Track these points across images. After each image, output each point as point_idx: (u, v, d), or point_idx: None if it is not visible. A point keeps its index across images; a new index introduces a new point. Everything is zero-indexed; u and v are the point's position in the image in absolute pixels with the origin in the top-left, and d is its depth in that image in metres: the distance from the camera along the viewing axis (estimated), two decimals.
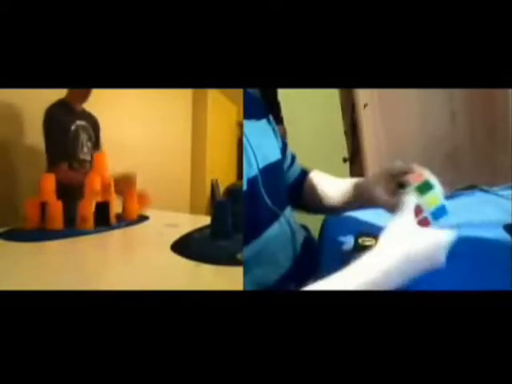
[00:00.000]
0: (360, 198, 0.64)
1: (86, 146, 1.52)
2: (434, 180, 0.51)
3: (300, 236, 0.66)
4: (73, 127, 1.45)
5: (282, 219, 0.61)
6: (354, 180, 0.68)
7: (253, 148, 0.58)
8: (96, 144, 1.61)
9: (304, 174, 0.77)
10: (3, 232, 1.08)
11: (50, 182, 1.17)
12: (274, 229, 0.59)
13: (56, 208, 1.13)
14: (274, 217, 0.60)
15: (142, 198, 1.51)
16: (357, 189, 0.66)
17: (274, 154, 0.65)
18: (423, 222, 0.48)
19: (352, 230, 0.71)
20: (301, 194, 0.76)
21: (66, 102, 1.47)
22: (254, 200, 0.56)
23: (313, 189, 0.74)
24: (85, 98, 1.52)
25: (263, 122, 0.68)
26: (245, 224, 0.54)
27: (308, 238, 0.70)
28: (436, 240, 0.45)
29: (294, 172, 0.76)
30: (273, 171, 0.63)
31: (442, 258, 0.45)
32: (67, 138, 1.43)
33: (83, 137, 1.51)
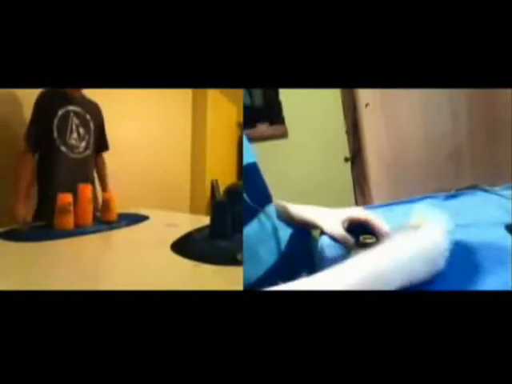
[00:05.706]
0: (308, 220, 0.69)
1: (77, 132, 1.50)
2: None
3: (285, 232, 0.68)
4: (61, 112, 1.44)
5: (261, 215, 0.64)
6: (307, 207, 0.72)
7: None
8: (98, 131, 1.60)
9: None
10: (3, 232, 1.08)
11: (87, 191, 1.27)
12: (253, 225, 0.62)
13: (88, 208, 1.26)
14: (252, 214, 0.63)
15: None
16: (308, 213, 0.70)
17: (248, 158, 0.68)
18: None
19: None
20: None
21: (62, 90, 1.47)
22: None
23: None
24: None
25: None
26: None
27: (295, 235, 0.71)
28: (436, 245, 0.47)
29: None
30: (249, 172, 0.66)
31: (442, 262, 0.46)
32: (52, 122, 1.42)
33: (74, 121, 1.49)
